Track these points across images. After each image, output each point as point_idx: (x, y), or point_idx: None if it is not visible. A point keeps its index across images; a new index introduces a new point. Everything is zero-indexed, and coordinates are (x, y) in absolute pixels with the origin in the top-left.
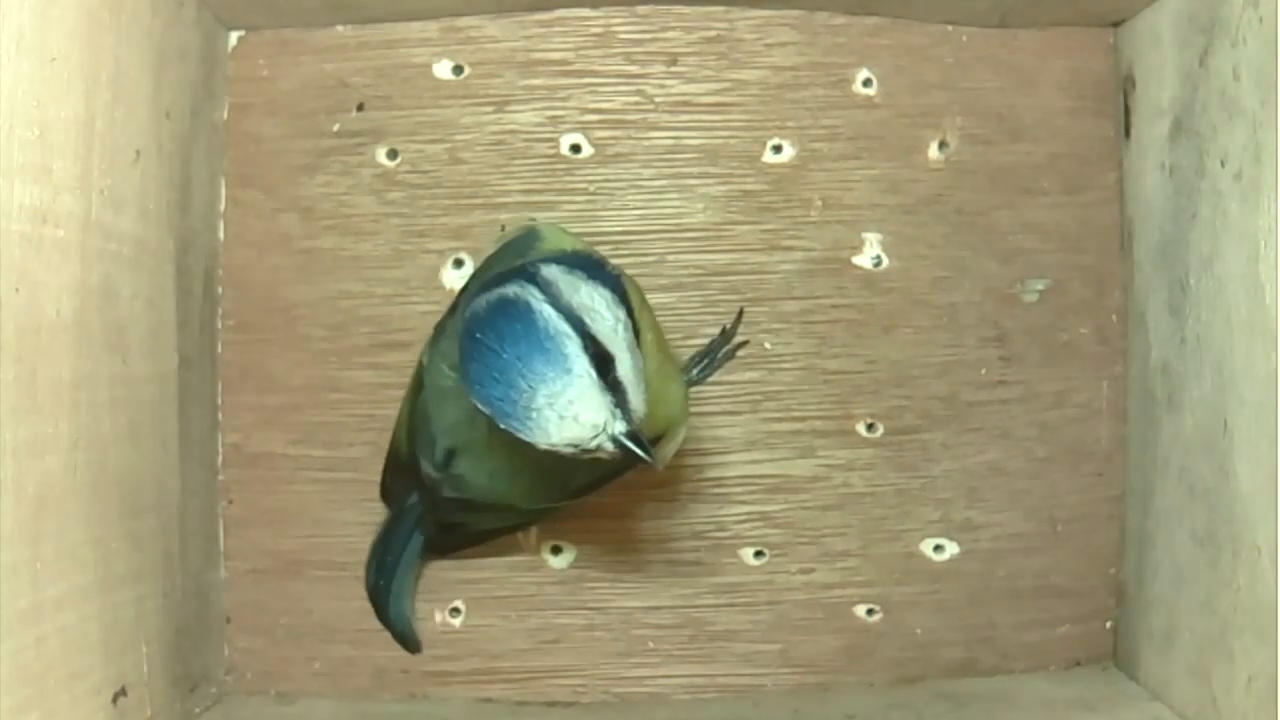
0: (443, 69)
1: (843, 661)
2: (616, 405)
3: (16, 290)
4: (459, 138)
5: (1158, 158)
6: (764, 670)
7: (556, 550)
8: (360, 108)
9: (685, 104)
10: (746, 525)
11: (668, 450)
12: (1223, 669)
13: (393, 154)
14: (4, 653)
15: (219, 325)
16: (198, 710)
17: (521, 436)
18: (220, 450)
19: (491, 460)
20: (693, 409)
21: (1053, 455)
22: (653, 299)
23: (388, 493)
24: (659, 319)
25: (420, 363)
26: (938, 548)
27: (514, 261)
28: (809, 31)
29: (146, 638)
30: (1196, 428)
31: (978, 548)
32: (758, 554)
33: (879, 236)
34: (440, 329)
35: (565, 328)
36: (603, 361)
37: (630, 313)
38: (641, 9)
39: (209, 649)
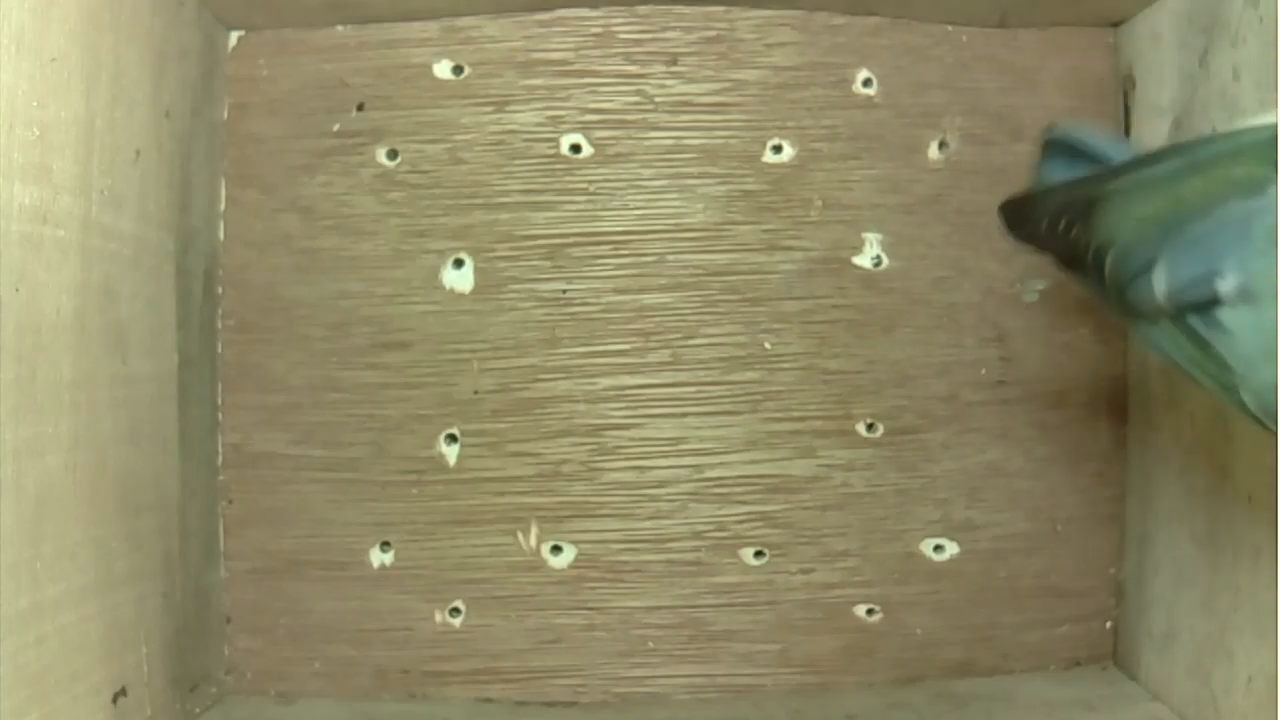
0: (443, 69)
1: (843, 661)
2: None
3: (16, 290)
4: (459, 138)
5: None
6: (764, 670)
7: (556, 550)
8: (360, 108)
9: (685, 104)
10: (746, 525)
11: None
12: (1223, 669)
13: (393, 154)
14: (4, 653)
15: (219, 325)
16: (198, 710)
17: None
18: (220, 450)
19: None
20: (693, 408)
21: (1053, 455)
22: (653, 299)
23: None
24: (658, 319)
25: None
26: (938, 548)
27: None
28: (809, 31)
29: (146, 638)
30: (1196, 428)
31: (978, 548)
32: (758, 554)
33: (879, 236)
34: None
35: None
36: None
37: None
38: (641, 9)
39: (209, 649)
